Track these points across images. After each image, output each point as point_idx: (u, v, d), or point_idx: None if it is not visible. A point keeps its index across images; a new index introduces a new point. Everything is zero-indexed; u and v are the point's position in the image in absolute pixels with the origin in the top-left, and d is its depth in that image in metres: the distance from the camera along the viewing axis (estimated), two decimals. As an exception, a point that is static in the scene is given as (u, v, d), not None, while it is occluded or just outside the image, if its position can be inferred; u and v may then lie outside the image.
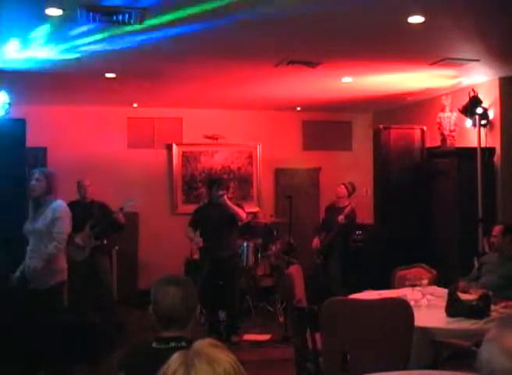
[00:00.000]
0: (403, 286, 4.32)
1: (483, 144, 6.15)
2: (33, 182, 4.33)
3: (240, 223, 6.13)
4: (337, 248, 6.80)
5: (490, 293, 3.76)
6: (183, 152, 8.33)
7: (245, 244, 6.84)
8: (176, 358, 1.29)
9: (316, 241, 6.92)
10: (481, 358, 1.27)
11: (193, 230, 5.96)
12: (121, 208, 6.07)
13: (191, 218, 6.06)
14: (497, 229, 4.58)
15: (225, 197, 5.81)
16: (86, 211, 5.93)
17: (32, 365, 4.32)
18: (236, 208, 5.84)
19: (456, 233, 6.22)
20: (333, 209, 6.94)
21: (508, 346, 1.22)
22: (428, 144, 6.93)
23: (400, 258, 5.29)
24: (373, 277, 6.21)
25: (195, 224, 5.97)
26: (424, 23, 4.11)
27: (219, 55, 5.18)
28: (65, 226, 4.36)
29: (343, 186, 6.93)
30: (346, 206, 6.78)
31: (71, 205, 5.89)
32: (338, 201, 6.94)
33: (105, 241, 6.25)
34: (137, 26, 4.19)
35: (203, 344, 1.33)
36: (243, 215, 5.89)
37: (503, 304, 3.80)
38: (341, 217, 6.66)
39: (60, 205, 4.38)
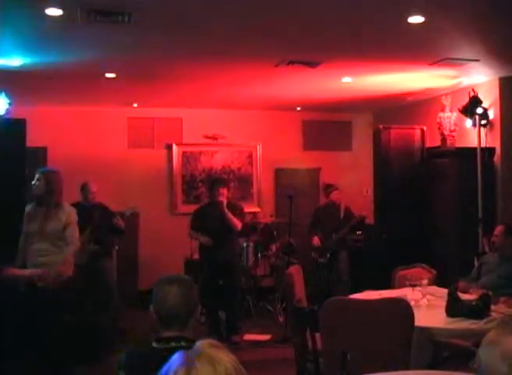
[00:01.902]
0: (403, 286, 4.31)
1: (483, 144, 6.14)
2: (33, 181, 4.41)
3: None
4: (346, 246, 6.87)
5: (490, 293, 3.76)
6: (183, 152, 8.33)
7: (245, 244, 6.84)
8: (176, 358, 1.29)
9: (317, 240, 6.94)
10: (480, 362, 1.26)
11: (197, 232, 5.97)
12: (121, 215, 6.04)
13: (192, 220, 6.05)
14: (499, 229, 4.59)
15: (223, 201, 5.81)
16: (87, 214, 5.91)
17: (33, 365, 4.32)
18: (233, 218, 5.81)
19: (456, 233, 6.22)
20: (329, 208, 7.06)
21: (507, 351, 1.22)
22: (428, 144, 6.92)
23: (400, 258, 5.28)
24: (373, 277, 6.21)
25: (197, 226, 5.97)
26: (424, 23, 4.11)
27: (219, 55, 5.18)
28: (77, 229, 4.49)
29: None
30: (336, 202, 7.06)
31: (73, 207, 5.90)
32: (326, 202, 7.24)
33: (117, 247, 6.28)
34: (137, 26, 4.19)
35: (204, 344, 1.33)
36: (238, 226, 5.86)
37: (504, 298, 3.81)
38: (361, 213, 7.01)
39: (73, 209, 4.50)
